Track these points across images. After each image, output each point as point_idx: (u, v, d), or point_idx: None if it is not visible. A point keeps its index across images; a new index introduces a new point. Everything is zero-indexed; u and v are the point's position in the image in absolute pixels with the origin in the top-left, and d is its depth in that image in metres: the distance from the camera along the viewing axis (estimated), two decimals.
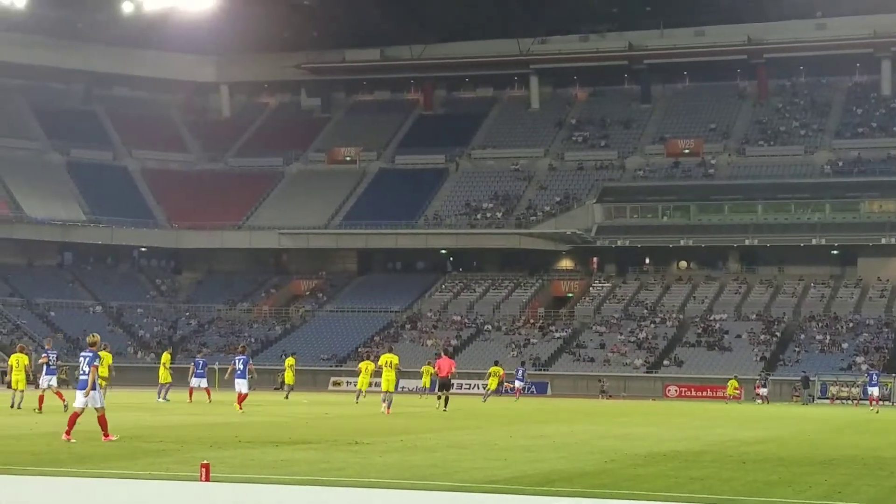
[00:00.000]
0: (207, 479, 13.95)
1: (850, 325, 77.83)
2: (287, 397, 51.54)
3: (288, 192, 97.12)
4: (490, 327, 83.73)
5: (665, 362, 75.59)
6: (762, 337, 77.31)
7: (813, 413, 48.54)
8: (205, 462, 14.45)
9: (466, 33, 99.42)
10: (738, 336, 77.54)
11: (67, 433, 21.40)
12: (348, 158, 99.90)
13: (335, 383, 76.22)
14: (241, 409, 35.78)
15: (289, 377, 54.59)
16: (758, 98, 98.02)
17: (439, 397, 42.05)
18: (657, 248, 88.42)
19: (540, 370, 75.13)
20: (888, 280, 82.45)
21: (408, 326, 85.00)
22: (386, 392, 37.59)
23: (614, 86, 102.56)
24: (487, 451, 21.20)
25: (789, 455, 21.81)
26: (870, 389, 55.86)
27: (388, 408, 36.52)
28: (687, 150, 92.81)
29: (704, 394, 70.35)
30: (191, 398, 44.16)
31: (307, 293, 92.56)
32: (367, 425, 29.23)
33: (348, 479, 15.49)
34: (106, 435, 21.59)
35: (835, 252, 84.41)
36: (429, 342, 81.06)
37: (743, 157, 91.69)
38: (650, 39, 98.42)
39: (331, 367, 79.69)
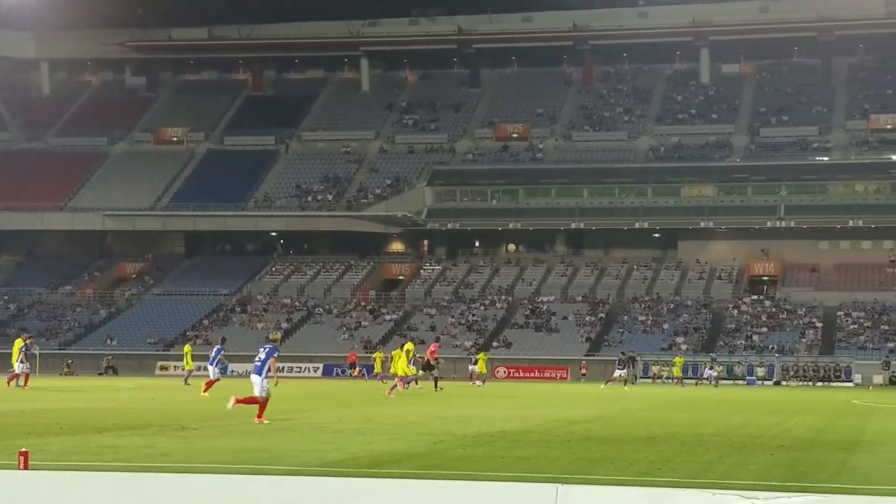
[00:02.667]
0: (26, 468, 13.55)
1: (671, 306, 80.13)
2: (186, 382, 50.29)
3: (113, 173, 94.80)
4: (321, 310, 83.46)
5: (494, 344, 76.54)
6: (588, 318, 78.94)
7: (636, 392, 49.80)
8: (23, 450, 14.03)
9: (296, 14, 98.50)
10: (565, 317, 79.01)
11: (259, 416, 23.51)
12: (175, 139, 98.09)
13: (162, 368, 74.85)
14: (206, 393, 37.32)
15: (188, 363, 53.44)
16: (583, 84, 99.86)
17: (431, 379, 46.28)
18: (486, 231, 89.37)
19: (371, 353, 75.20)
20: (706, 262, 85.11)
21: (238, 310, 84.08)
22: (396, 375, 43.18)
23: (444, 69, 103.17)
24: (318, 434, 21.14)
25: (613, 433, 22.34)
26: None
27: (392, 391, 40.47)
28: (515, 135, 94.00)
29: (533, 374, 71.45)
30: (12, 383, 42.85)
31: (133, 276, 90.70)
32: (196, 410, 28.82)
33: (174, 464, 15.26)
34: (259, 416, 23.58)
35: (657, 235, 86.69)
36: (259, 325, 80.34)
37: (569, 141, 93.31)
38: (479, 24, 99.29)
39: (158, 351, 78.30)
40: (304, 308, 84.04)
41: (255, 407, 23.97)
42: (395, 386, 42.12)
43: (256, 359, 24.32)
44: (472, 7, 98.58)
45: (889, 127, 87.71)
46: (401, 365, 42.71)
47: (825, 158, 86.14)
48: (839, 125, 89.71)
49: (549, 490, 9.48)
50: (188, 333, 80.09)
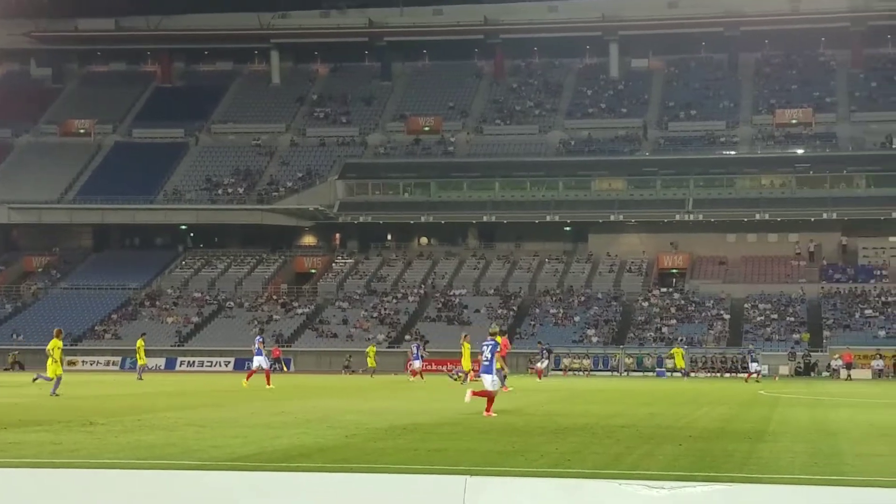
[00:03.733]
0: None
1: (582, 298, 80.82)
2: (140, 378, 49.52)
3: (18, 165, 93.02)
4: (232, 304, 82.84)
5: (407, 337, 76.57)
6: (500, 311, 79.34)
7: (548, 384, 50.14)
8: None
9: (205, 5, 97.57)
10: (477, 310, 79.32)
11: (487, 410, 24.26)
12: (82, 131, 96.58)
13: (70, 363, 73.55)
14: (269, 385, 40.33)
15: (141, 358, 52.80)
16: (494, 77, 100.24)
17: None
18: (399, 224, 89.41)
19: (283, 347, 74.84)
20: (616, 255, 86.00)
21: (147, 304, 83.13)
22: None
23: (355, 62, 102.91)
24: (228, 428, 20.96)
25: (524, 425, 22.46)
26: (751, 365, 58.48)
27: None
28: (427, 128, 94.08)
29: (446, 367, 71.40)
30: None
31: (39, 270, 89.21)
32: (103, 406, 28.42)
33: (81, 460, 15.04)
34: (488, 410, 24.37)
35: (567, 228, 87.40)
36: (169, 320, 79.52)
37: (480, 135, 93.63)
38: (390, 17, 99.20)
39: (65, 346, 76.94)
40: (215, 302, 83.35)
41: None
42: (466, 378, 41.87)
43: (483, 357, 25.32)
44: (383, 0, 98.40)
45: (794, 121, 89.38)
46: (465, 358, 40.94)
47: (732, 152, 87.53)
48: (746, 120, 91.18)
49: (458, 482, 9.51)
50: (97, 328, 79.11)
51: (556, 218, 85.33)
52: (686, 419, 24.50)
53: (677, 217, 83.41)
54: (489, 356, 25.04)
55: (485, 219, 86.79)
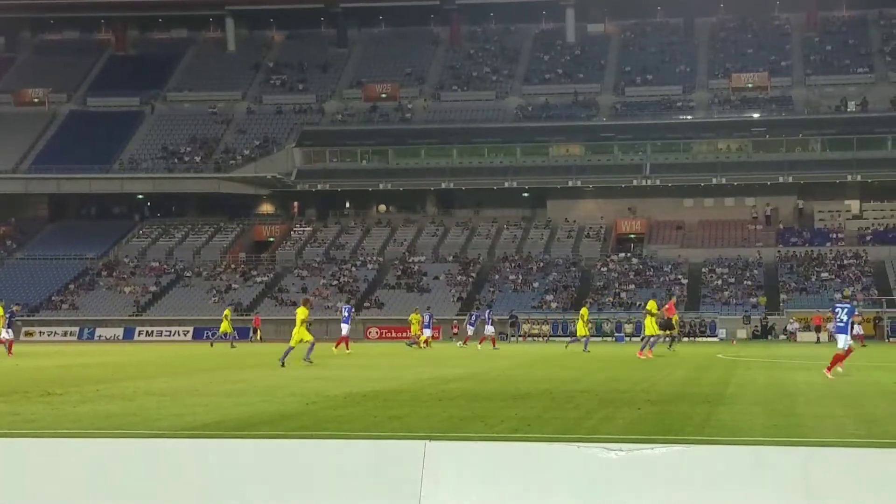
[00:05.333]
0: None
1: (541, 264, 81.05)
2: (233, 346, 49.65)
3: None
4: (190, 273, 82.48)
5: (366, 304, 76.57)
6: (459, 278, 79.44)
7: (509, 350, 50.32)
8: None
9: None
10: (436, 277, 79.41)
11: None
12: (37, 100, 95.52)
13: (27, 333, 73.22)
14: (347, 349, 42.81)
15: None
16: (451, 44, 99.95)
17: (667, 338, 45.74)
18: (357, 191, 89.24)
19: (242, 315, 74.63)
20: (575, 221, 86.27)
21: (104, 273, 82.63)
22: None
23: (311, 29, 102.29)
24: (189, 397, 20.93)
25: (484, 391, 22.54)
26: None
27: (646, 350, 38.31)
28: (384, 95, 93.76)
29: (404, 335, 71.45)
30: None
31: None
32: (62, 376, 28.26)
33: (40, 430, 14.97)
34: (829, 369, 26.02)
35: (526, 195, 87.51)
36: (126, 290, 79.09)
37: (438, 101, 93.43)
38: None
39: (22, 316, 76.43)
40: (173, 271, 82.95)
41: None
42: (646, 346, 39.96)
43: (837, 318, 26.05)
44: None
45: (750, 85, 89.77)
46: (648, 324, 40.17)
47: (689, 117, 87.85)
48: (702, 84, 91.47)
49: (418, 447, 9.56)
50: (54, 298, 78.62)
51: (515, 184, 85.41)
52: (645, 383, 24.68)
53: (634, 182, 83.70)
54: (845, 318, 25.85)
55: (443, 185, 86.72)
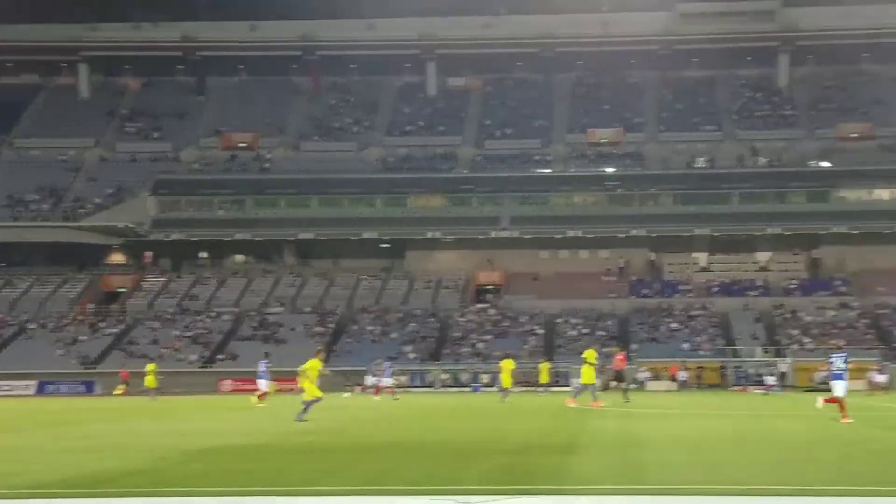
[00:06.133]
0: None
1: (400, 315, 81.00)
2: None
3: None
4: (34, 325, 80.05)
5: (220, 356, 75.42)
6: (317, 329, 78.88)
7: (364, 402, 50.03)
8: None
9: (10, 16, 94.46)
10: (293, 329, 78.69)
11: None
12: None
13: None
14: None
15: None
16: (312, 94, 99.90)
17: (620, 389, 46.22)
18: (213, 241, 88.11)
19: (88, 368, 72.71)
20: (433, 272, 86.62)
21: None
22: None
23: (168, 76, 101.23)
24: (31, 454, 20.19)
25: (338, 443, 22.31)
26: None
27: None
28: (243, 144, 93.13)
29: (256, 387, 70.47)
30: None
31: None
32: None
33: None
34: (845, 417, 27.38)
35: (385, 245, 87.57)
36: None
37: (298, 151, 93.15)
38: (204, 31, 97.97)
39: None
40: (16, 323, 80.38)
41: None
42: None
43: (835, 367, 28.00)
44: (197, 14, 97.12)
45: (605, 140, 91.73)
46: (586, 373, 40.16)
47: (546, 171, 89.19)
48: (559, 138, 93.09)
49: (267, 503, 9.33)
50: None
51: (374, 235, 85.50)
52: (499, 433, 24.72)
53: (493, 234, 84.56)
54: (842, 366, 27.98)
55: (301, 236, 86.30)
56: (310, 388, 30.05)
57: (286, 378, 70.62)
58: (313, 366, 30.39)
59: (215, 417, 34.45)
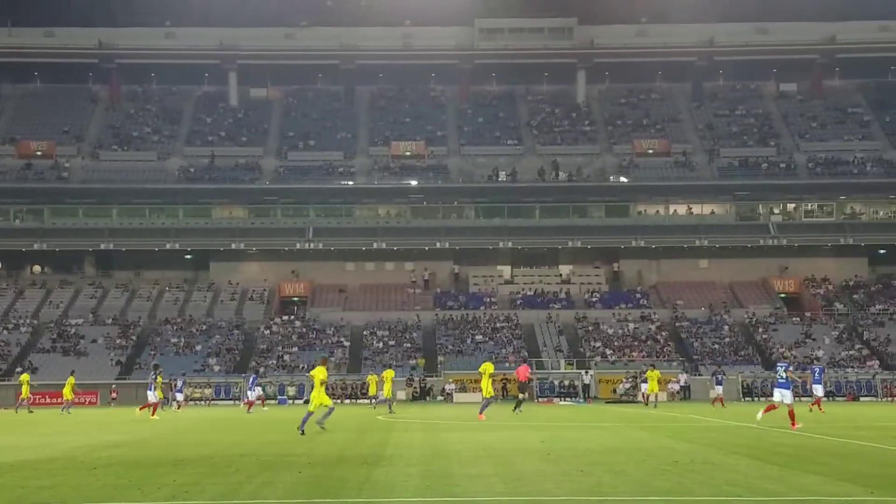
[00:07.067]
0: None
1: (204, 327, 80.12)
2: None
3: None
4: None
5: (18, 369, 73.18)
6: (118, 341, 77.38)
7: (167, 415, 49.35)
8: None
9: None
10: (94, 340, 77.06)
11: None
12: None
13: None
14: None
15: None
16: (111, 102, 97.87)
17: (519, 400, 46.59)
18: (9, 251, 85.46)
19: None
20: (238, 284, 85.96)
21: None
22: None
23: None
24: None
25: (142, 457, 22.13)
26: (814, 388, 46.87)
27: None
28: (40, 152, 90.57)
29: (59, 400, 68.75)
30: None
31: None
32: None
33: None
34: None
35: (189, 256, 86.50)
36: None
37: (97, 161, 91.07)
38: None
39: None
40: None
41: None
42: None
43: (779, 376, 31.43)
44: None
45: (408, 153, 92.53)
46: (485, 386, 39.98)
47: (350, 183, 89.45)
48: (363, 151, 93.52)
49: None
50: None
51: (177, 246, 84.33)
52: (305, 446, 24.89)
53: (298, 245, 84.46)
54: (784, 375, 31.11)
55: (102, 246, 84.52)
56: (317, 396, 28.85)
57: (84, 391, 69.37)
58: (319, 373, 29.12)
59: (10, 431, 33.56)
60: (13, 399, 68.21)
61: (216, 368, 74.29)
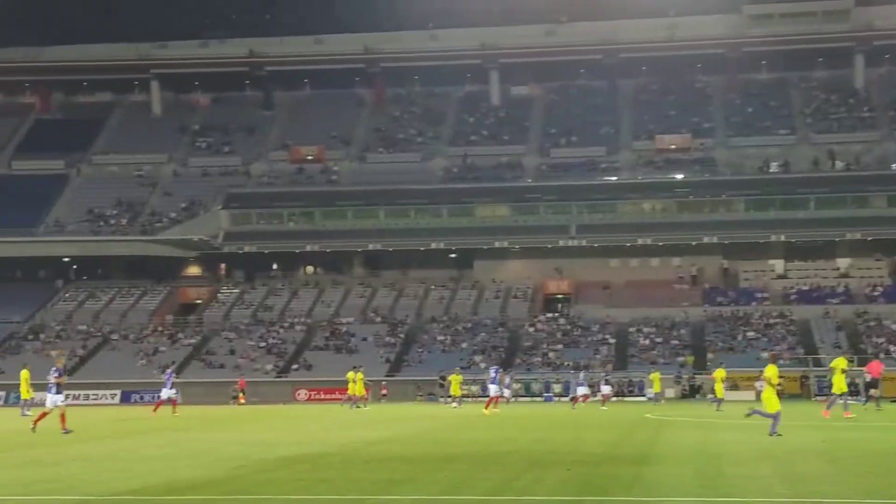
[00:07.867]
0: None
1: (469, 325, 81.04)
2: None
3: None
4: (117, 336, 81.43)
5: (294, 366, 76.07)
6: (387, 339, 79.23)
7: (434, 412, 50.11)
8: None
9: (83, 36, 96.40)
10: (364, 339, 79.11)
11: None
12: None
13: None
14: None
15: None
16: (376, 106, 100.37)
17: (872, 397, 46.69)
18: (284, 253, 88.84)
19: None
20: (502, 281, 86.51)
21: (30, 337, 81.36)
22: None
23: (236, 92, 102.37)
24: (113, 462, 20.59)
25: (412, 453, 22.44)
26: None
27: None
28: (310, 157, 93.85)
29: (333, 396, 71.13)
30: None
31: None
32: None
33: None
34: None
35: (453, 255, 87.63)
36: (53, 353, 77.71)
37: (364, 163, 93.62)
38: (270, 46, 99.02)
39: None
40: (100, 335, 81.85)
41: None
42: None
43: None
44: (262, 30, 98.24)
45: (673, 147, 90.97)
46: (837, 382, 38.43)
47: (613, 178, 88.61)
48: (626, 146, 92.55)
49: None
50: None
51: (441, 245, 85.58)
52: (573, 444, 24.72)
53: (561, 243, 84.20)
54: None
55: (370, 247, 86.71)
56: (769, 398, 27.09)
57: (345, 387, 71.25)
58: (769, 371, 27.44)
59: (291, 426, 34.75)
60: (290, 395, 71.18)
61: (482, 366, 74.93)
